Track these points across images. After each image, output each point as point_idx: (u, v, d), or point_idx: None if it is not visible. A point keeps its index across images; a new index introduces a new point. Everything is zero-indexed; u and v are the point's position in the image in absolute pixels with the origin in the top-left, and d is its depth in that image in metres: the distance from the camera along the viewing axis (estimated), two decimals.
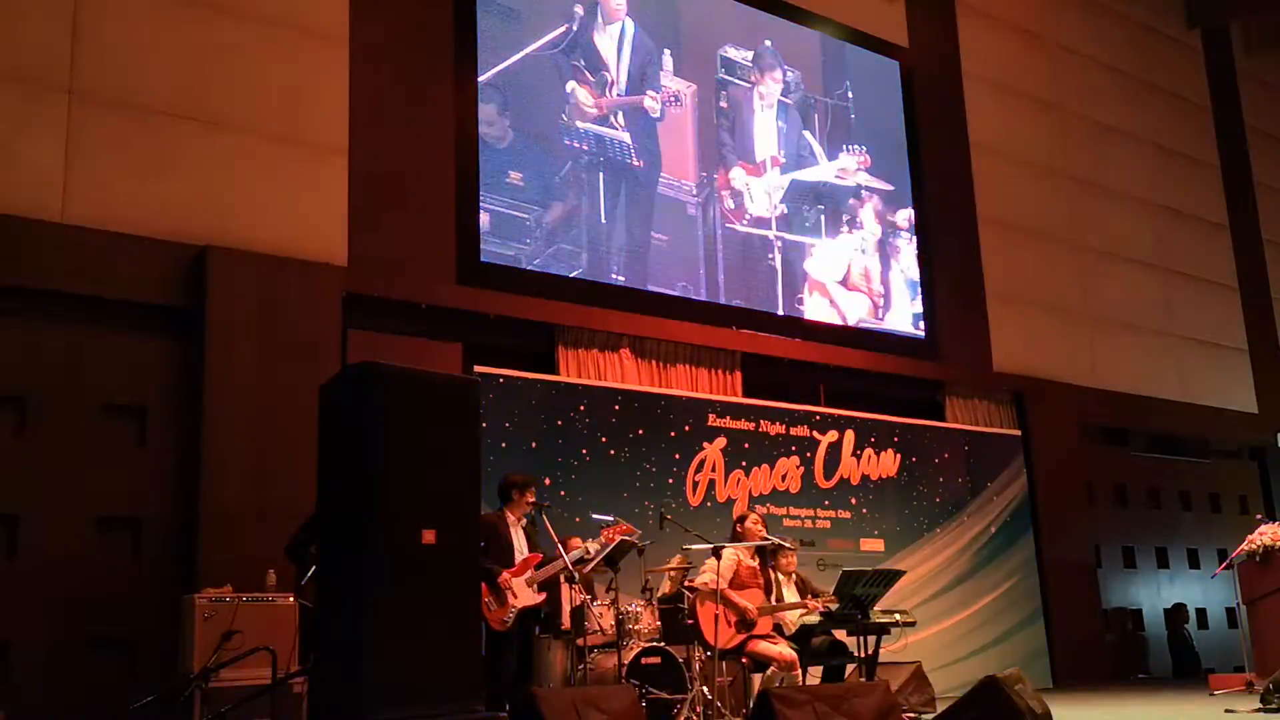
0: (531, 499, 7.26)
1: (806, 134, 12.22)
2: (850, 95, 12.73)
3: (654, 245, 10.73)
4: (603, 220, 10.43)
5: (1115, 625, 13.68)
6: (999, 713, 6.02)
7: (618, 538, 7.19)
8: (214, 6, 8.36)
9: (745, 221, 11.44)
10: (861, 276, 12.22)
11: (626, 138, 10.77)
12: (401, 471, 4.92)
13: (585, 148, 10.47)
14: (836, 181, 12.31)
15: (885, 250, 12.54)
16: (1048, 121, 14.46)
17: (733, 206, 11.39)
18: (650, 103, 11.05)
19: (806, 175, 12.05)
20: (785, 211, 11.78)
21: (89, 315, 7.58)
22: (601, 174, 10.56)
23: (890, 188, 12.76)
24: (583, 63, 10.65)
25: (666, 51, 11.28)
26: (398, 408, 4.98)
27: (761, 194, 11.63)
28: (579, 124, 10.47)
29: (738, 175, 11.50)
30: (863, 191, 12.51)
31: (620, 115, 10.85)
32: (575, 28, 10.65)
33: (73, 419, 7.40)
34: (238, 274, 7.96)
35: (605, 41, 10.91)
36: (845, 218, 12.31)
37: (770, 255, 11.54)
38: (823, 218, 12.09)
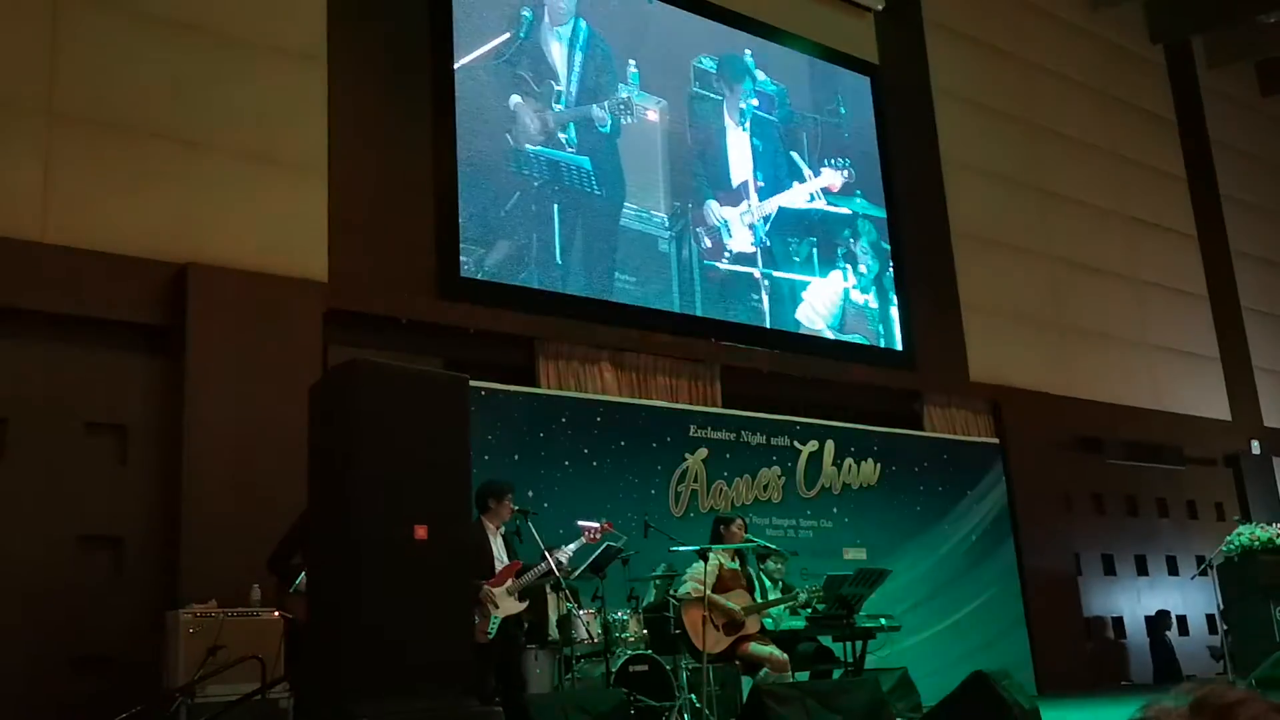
0: (510, 505, 7.16)
1: (794, 155, 11.85)
2: (842, 111, 12.53)
3: (619, 288, 9.90)
4: (558, 260, 9.56)
5: (1096, 633, 13.75)
6: (987, 706, 6.07)
7: (600, 535, 7.18)
8: (191, 26, 8.37)
9: (726, 259, 10.83)
10: (858, 316, 12.09)
11: (585, 162, 9.82)
12: (393, 467, 4.92)
13: (535, 175, 9.43)
14: (829, 209, 11.92)
15: (883, 284, 12.42)
16: (1018, 136, 14.63)
17: (709, 246, 10.65)
18: (598, 112, 9.95)
19: (788, 197, 11.62)
20: (769, 245, 11.20)
21: (69, 334, 7.54)
22: (556, 205, 9.54)
23: (884, 215, 12.65)
24: (530, 75, 9.60)
25: (631, 61, 10.53)
26: (387, 403, 5.00)
27: (741, 227, 10.93)
28: (528, 146, 9.50)
29: (712, 210, 10.80)
30: (858, 221, 12.23)
31: (574, 133, 9.78)
32: (522, 34, 9.63)
33: (53, 437, 7.35)
34: (218, 291, 7.95)
35: (554, 47, 9.90)
36: (840, 250, 11.93)
37: (756, 297, 10.96)
38: (814, 251, 11.62)
